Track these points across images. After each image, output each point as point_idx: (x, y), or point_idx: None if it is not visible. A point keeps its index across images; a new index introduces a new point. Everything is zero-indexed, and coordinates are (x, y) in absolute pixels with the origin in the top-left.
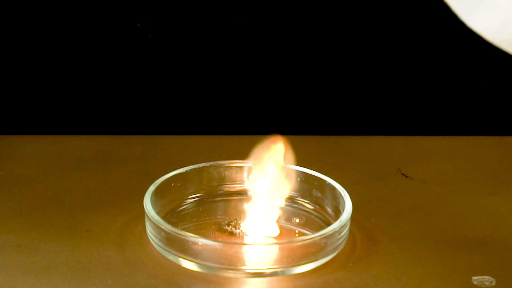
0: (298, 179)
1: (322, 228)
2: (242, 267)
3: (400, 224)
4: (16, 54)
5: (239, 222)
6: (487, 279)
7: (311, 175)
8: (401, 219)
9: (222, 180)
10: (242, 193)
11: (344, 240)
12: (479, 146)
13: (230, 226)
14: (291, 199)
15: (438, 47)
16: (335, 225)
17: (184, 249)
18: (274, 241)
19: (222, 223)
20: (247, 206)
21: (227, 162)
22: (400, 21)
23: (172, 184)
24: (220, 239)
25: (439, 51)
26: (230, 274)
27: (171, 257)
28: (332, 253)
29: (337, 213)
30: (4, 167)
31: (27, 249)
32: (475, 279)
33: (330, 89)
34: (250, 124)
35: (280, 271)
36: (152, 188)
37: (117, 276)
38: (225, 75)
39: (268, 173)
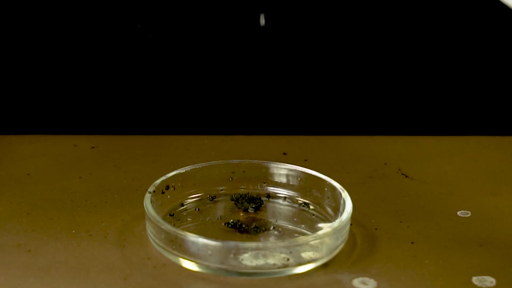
0: (298, 179)
1: (322, 228)
2: (242, 267)
3: (400, 224)
4: (16, 54)
5: (240, 221)
6: (487, 279)
7: (311, 175)
8: (401, 219)
9: (223, 180)
10: (242, 192)
11: (344, 240)
12: (479, 146)
13: (231, 226)
14: (291, 199)
15: (437, 47)
16: (335, 225)
17: (184, 249)
18: (274, 241)
19: (223, 223)
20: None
21: (227, 162)
22: (400, 22)
23: (172, 184)
24: (220, 239)
25: (438, 51)
26: (230, 274)
27: (171, 257)
28: (332, 253)
29: (337, 213)
30: (4, 167)
31: (27, 249)
32: (475, 279)
33: (330, 89)
34: (250, 124)
35: (280, 271)
36: (152, 188)
37: (117, 276)
38: (225, 75)
39: None
